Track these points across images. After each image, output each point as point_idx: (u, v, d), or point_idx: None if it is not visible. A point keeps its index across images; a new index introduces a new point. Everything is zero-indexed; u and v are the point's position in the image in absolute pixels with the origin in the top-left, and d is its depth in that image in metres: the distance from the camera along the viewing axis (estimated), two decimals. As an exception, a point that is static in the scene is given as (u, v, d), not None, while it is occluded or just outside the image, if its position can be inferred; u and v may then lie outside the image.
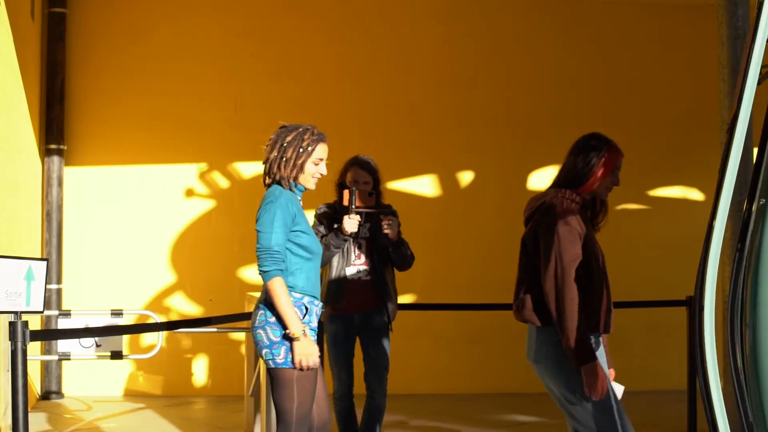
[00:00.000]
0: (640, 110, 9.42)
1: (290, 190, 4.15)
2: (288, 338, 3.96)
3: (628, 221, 9.37)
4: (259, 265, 4.00)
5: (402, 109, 9.20)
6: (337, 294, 5.38)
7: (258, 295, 6.67)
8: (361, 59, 9.21)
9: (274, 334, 4.00)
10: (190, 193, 9.02)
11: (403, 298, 7.64)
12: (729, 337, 2.72)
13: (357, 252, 5.41)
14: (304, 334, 3.95)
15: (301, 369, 3.97)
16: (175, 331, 8.29)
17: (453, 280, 8.96)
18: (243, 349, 7.21)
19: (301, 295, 4.08)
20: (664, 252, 9.26)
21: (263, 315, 4.04)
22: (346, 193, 5.29)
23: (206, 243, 8.99)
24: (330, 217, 5.45)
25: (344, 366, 5.51)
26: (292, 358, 3.97)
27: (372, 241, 5.43)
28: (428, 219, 9.05)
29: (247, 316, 6.63)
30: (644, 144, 9.27)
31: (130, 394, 8.83)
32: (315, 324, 4.12)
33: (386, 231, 5.30)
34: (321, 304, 4.21)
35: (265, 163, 4.20)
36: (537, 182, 9.32)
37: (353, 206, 5.21)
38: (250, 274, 8.99)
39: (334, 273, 5.39)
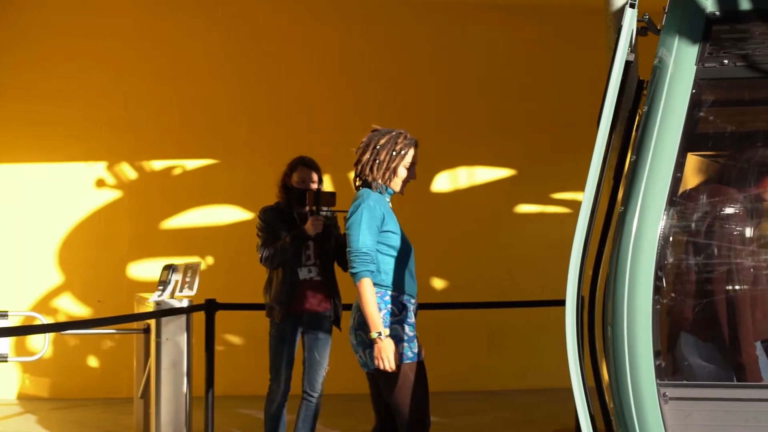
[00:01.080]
0: (536, 113, 9.59)
1: (379, 192, 4.21)
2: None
3: (521, 222, 9.64)
4: (349, 267, 4.07)
5: (292, 109, 9.25)
6: (290, 295, 5.43)
7: (147, 295, 6.69)
8: (250, 59, 9.19)
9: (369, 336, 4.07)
10: (80, 190, 8.91)
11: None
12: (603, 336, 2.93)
13: (307, 253, 5.48)
14: (380, 337, 3.98)
15: (384, 369, 4.03)
16: (62, 332, 8.18)
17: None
18: (133, 350, 7.16)
19: (397, 294, 4.13)
20: (555, 252, 9.52)
21: (359, 317, 4.11)
22: (309, 194, 5.36)
23: (95, 243, 8.89)
24: (278, 219, 5.50)
25: (288, 367, 5.54)
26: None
27: (320, 242, 5.48)
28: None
29: (137, 317, 6.61)
30: (539, 146, 9.54)
31: (18, 398, 8.68)
32: (413, 320, 4.17)
33: None
34: (416, 302, 4.27)
35: (356, 165, 4.26)
36: (439, 185, 9.49)
37: (319, 207, 5.30)
38: (139, 274, 8.93)
39: (287, 274, 5.44)
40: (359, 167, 4.25)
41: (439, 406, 8.53)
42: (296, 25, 9.34)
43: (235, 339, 8.98)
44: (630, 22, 2.95)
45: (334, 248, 5.50)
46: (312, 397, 5.58)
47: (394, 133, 4.27)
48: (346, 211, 5.36)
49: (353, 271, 4.05)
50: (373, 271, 4.06)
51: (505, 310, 8.32)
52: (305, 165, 5.53)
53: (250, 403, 8.38)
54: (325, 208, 5.35)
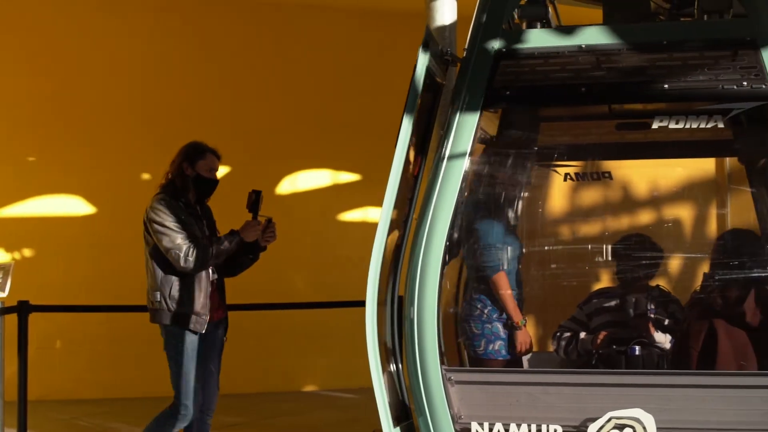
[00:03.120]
0: (360, 116, 9.85)
1: None
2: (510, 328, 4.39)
3: (347, 223, 10.09)
4: (482, 261, 4.39)
5: (106, 107, 9.29)
6: (201, 300, 5.14)
7: None
8: (62, 54, 9.22)
9: (476, 327, 4.38)
10: None
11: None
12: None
13: None
14: (522, 325, 4.39)
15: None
16: None
17: (99, 282, 9.05)
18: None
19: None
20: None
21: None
22: (250, 195, 5.19)
23: None
24: (184, 211, 5.16)
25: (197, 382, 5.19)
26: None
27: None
28: (87, 218, 9.35)
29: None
30: (364, 151, 9.92)
31: None
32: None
33: (270, 239, 5.32)
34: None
35: None
36: (270, 186, 9.70)
37: (258, 211, 5.18)
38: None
39: (206, 278, 5.16)
40: None
41: (264, 406, 8.85)
42: (111, 21, 9.38)
43: (49, 342, 9.06)
44: (422, 61, 3.63)
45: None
46: (210, 416, 5.36)
47: None
48: (265, 217, 5.27)
49: (488, 264, 4.43)
50: (504, 266, 4.50)
51: (329, 309, 8.67)
52: (214, 153, 5.29)
53: (65, 407, 8.51)
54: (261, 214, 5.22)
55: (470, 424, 3.46)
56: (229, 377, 9.27)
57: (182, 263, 4.99)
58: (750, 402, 3.28)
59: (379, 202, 10.63)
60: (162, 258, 5.08)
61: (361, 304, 8.15)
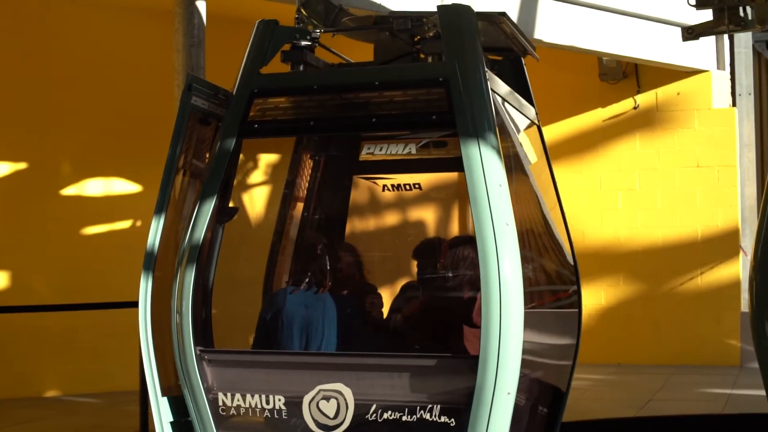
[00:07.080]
0: (102, 110, 10.53)
1: None
2: None
3: (91, 222, 10.68)
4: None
5: None
6: None
7: None
8: None
9: None
10: None
11: None
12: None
13: None
14: None
15: None
16: None
17: None
18: None
19: None
20: (123, 255, 9.85)
21: None
22: None
23: None
24: None
25: None
26: None
27: None
28: None
29: None
30: (117, 154, 10.60)
31: None
32: None
33: None
34: None
35: None
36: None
37: None
38: None
39: None
40: None
41: (0, 414, 9.19)
42: None
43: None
44: (186, 100, 4.90)
45: None
46: None
47: None
48: None
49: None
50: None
51: (72, 313, 9.17)
52: None
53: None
54: None
55: (218, 394, 4.70)
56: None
57: None
58: (414, 379, 4.57)
59: (128, 209, 11.14)
60: None
61: (106, 306, 8.70)
